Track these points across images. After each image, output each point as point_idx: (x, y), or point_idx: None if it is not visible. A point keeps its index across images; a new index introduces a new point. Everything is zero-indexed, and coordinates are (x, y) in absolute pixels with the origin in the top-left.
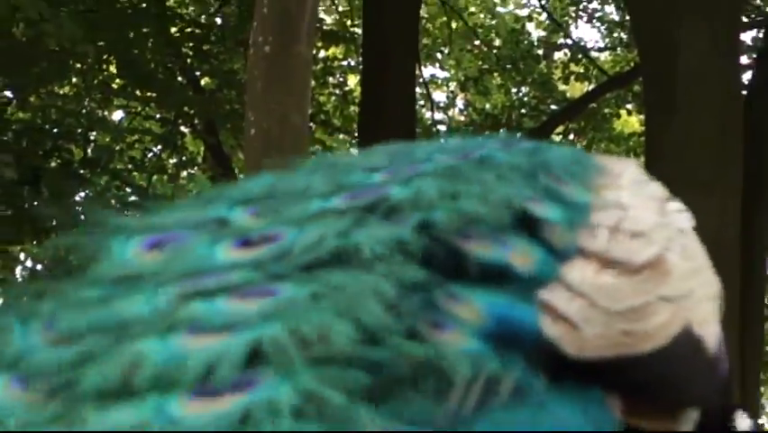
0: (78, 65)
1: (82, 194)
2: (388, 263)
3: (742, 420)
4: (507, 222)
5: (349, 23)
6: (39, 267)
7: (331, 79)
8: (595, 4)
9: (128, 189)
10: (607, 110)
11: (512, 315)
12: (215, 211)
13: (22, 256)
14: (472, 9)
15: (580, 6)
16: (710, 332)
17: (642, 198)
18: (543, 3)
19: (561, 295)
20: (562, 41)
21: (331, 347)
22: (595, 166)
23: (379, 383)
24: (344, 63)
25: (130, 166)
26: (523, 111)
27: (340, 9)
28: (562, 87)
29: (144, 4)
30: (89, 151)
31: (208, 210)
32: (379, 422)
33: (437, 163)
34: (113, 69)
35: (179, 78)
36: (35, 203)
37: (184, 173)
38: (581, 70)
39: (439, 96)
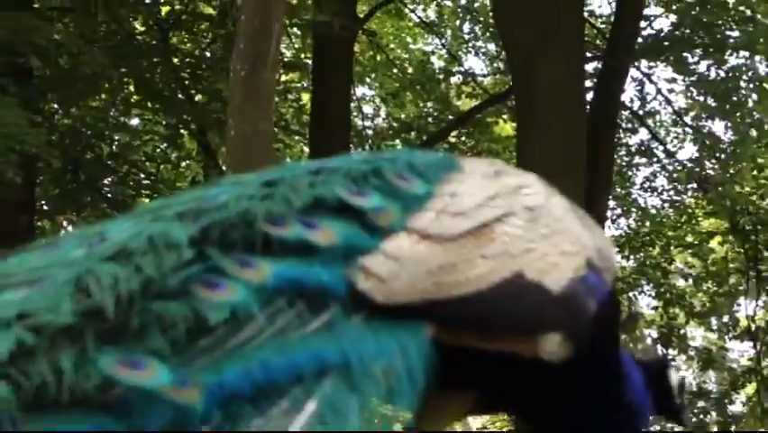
0: (107, 85)
1: (109, 179)
2: (151, 253)
3: (674, 375)
4: (318, 210)
5: (303, 55)
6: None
7: (289, 96)
8: (480, 43)
9: (142, 175)
10: (489, 119)
11: (300, 274)
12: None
13: (65, 223)
14: (392, 45)
15: (470, 44)
16: (555, 277)
17: (479, 187)
18: (443, 42)
19: (375, 259)
20: (456, 68)
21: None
22: (451, 167)
23: (120, 329)
24: (299, 85)
25: (143, 158)
26: (429, 120)
27: (296, 46)
28: (456, 102)
29: (154, 42)
30: (114, 147)
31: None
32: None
33: (284, 174)
34: (131, 88)
35: (180, 95)
36: (75, 185)
37: (183, 164)
38: (470, 90)
39: (367, 108)
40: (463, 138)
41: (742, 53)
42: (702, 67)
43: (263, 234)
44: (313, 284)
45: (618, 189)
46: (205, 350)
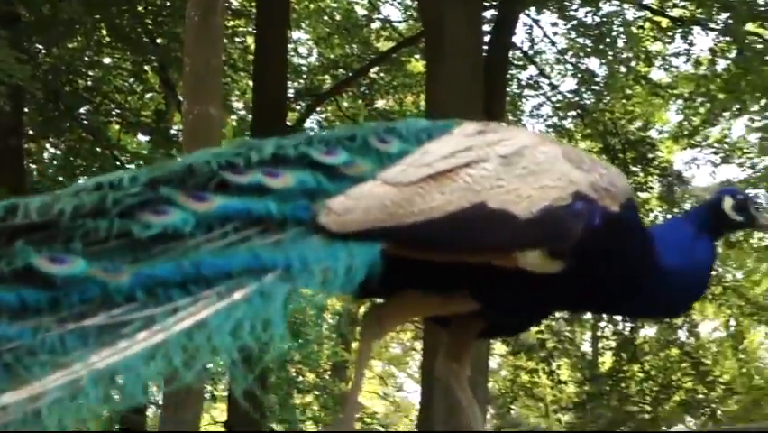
0: (82, 29)
1: (85, 108)
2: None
3: (727, 200)
4: (283, 164)
5: (247, 4)
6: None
7: (236, 39)
8: None
9: (112, 105)
10: (403, 58)
11: (247, 206)
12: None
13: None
14: None
15: None
16: (524, 206)
17: (453, 143)
18: None
19: (337, 200)
20: (376, 15)
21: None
22: (442, 131)
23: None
24: (245, 29)
25: (114, 91)
26: (353, 59)
27: None
28: (376, 44)
29: None
30: (89, 81)
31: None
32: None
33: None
34: (103, 31)
35: (144, 38)
36: (56, 113)
37: (147, 95)
38: (388, 34)
39: (302, 49)
40: (381, 74)
41: (614, 2)
42: (581, 13)
43: (222, 178)
44: (263, 214)
45: (510, 117)
46: (150, 254)
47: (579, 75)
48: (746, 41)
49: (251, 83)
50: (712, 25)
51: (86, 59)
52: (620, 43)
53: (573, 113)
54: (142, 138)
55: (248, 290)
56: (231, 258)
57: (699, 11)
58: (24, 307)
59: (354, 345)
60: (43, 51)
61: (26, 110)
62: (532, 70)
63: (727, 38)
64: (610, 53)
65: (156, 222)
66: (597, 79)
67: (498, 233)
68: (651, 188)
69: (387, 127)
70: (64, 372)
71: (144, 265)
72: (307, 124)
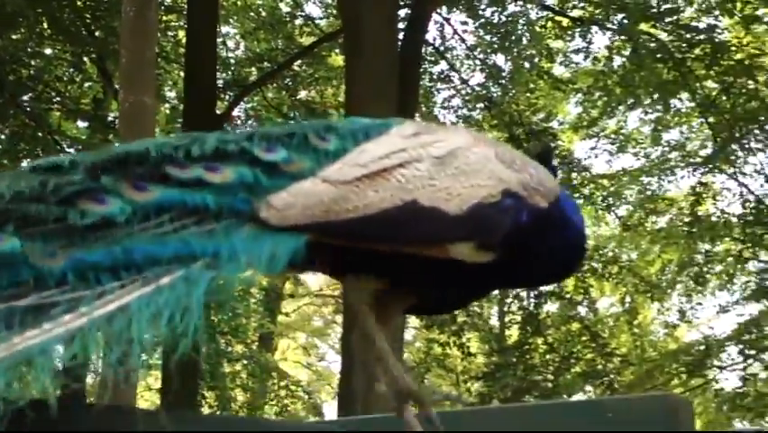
0: (24, 21)
1: (28, 96)
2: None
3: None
4: (224, 160)
5: (179, 1)
6: None
7: (169, 33)
8: None
9: (53, 93)
10: (324, 53)
11: (183, 198)
12: None
13: None
14: None
15: None
16: (456, 203)
17: (389, 144)
18: None
19: (279, 196)
20: (299, 12)
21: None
22: (380, 130)
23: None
24: (177, 24)
25: (54, 80)
26: (278, 52)
27: None
28: (299, 39)
29: None
30: (31, 71)
31: None
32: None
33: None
34: (45, 24)
35: (83, 31)
36: (1, 100)
37: (86, 85)
38: (310, 30)
39: (230, 43)
40: (304, 67)
41: (519, 2)
42: (488, 13)
43: (164, 171)
44: (199, 205)
45: (423, 108)
46: (85, 239)
47: (486, 70)
48: (640, 40)
49: (182, 74)
50: (609, 25)
51: (29, 49)
52: (524, 41)
53: (481, 105)
54: (81, 124)
55: (174, 275)
56: (162, 245)
57: (597, 12)
58: None
59: (279, 317)
60: None
61: None
62: (443, 65)
63: (623, 37)
64: (515, 50)
65: (94, 210)
66: (503, 74)
67: (429, 228)
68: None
69: (326, 125)
70: None
71: (78, 250)
72: (235, 113)
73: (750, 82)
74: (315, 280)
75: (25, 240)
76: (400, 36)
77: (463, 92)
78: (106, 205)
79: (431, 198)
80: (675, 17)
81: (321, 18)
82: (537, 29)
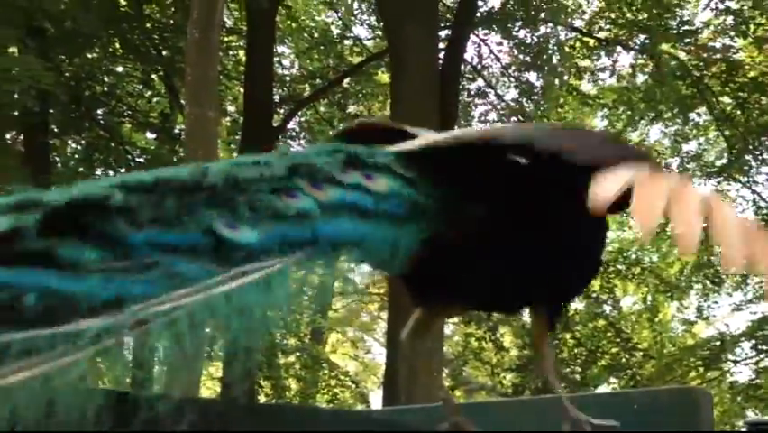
0: (99, 41)
1: (102, 110)
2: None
3: None
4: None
5: (240, 23)
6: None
7: (230, 52)
8: (365, 16)
9: (124, 107)
10: (371, 71)
11: (352, 198)
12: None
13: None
14: (303, 17)
15: (357, 16)
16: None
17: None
18: (338, 15)
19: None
20: (348, 33)
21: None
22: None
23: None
24: (237, 44)
25: (126, 95)
26: (329, 70)
27: (235, 16)
28: (349, 58)
29: (133, 12)
30: (105, 87)
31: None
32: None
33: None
34: (117, 44)
35: (152, 50)
36: (77, 114)
37: (154, 100)
38: (358, 50)
39: (285, 62)
40: (353, 84)
41: (549, 24)
42: (521, 34)
43: (332, 176)
44: (360, 204)
45: (462, 122)
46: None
47: (520, 86)
48: (661, 59)
49: (242, 90)
50: (632, 45)
51: (103, 67)
52: (555, 60)
53: (515, 119)
54: (150, 136)
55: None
56: (340, 227)
57: (622, 33)
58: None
59: (330, 313)
60: (66, 61)
61: (52, 111)
62: (480, 82)
63: (645, 56)
64: (546, 68)
65: (292, 204)
66: (535, 90)
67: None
68: None
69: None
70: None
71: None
72: (290, 126)
73: (762, 98)
74: (361, 276)
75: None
76: (441, 55)
77: (499, 107)
78: (299, 200)
79: None
80: (694, 38)
81: (368, 39)
82: (566, 49)
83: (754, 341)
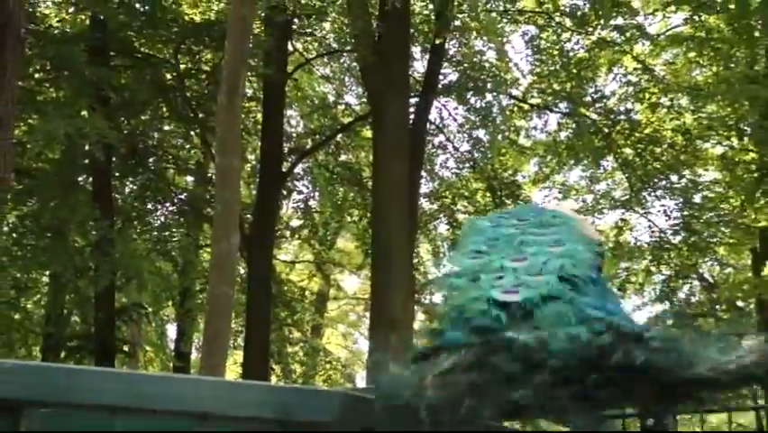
0: (150, 107)
1: (152, 158)
2: None
3: None
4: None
5: (257, 92)
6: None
7: (250, 115)
8: (354, 87)
9: (170, 156)
10: (358, 129)
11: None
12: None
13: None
14: (306, 87)
15: (348, 87)
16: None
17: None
18: (333, 86)
19: None
20: (341, 100)
21: None
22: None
23: None
24: (256, 108)
25: (171, 146)
26: (325, 127)
27: (254, 86)
28: (341, 118)
29: (176, 84)
30: (155, 141)
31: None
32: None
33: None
34: (164, 108)
35: (190, 113)
36: (133, 161)
37: (192, 151)
38: (349, 113)
39: (293, 121)
40: (344, 138)
41: (493, 93)
42: (473, 100)
43: None
44: None
45: (428, 166)
46: None
47: (471, 140)
48: (579, 120)
49: (259, 143)
50: (557, 109)
51: (153, 126)
52: (498, 120)
53: (468, 165)
54: (189, 179)
55: None
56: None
57: (550, 99)
58: None
59: (326, 314)
60: (125, 121)
61: (114, 159)
62: (441, 137)
63: (567, 117)
64: (491, 127)
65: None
66: (483, 144)
67: None
68: None
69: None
70: None
71: None
72: (296, 170)
73: (656, 149)
74: (350, 285)
75: None
76: (411, 116)
77: (455, 156)
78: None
79: None
80: (603, 103)
81: (356, 105)
82: (507, 112)
83: None
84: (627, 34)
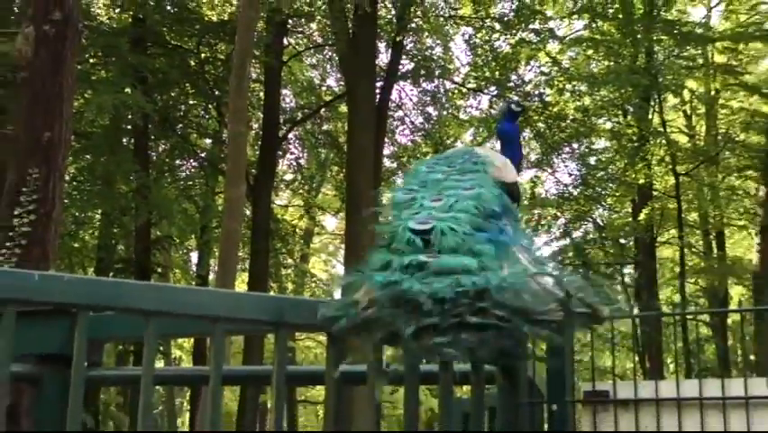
0: (179, 85)
1: (180, 125)
2: None
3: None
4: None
5: (260, 74)
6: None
7: (254, 91)
8: (334, 73)
9: (193, 124)
10: (336, 104)
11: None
12: None
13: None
14: (297, 73)
15: (329, 73)
16: (517, 183)
17: (499, 157)
18: (318, 73)
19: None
20: (324, 83)
21: None
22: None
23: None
24: (260, 88)
25: (194, 115)
26: (312, 102)
27: (258, 70)
28: (324, 97)
29: (198, 69)
30: (181, 111)
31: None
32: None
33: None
34: (189, 87)
35: (210, 90)
36: (166, 127)
37: (210, 120)
38: (330, 93)
39: (287, 99)
40: (326, 112)
41: (440, 79)
42: (425, 84)
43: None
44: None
45: (390, 135)
46: None
47: (424, 115)
48: (505, 99)
49: (261, 114)
50: (488, 92)
51: (181, 100)
52: (443, 100)
53: (420, 134)
54: (207, 141)
55: None
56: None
57: (482, 83)
58: None
59: (312, 245)
60: (159, 97)
61: (150, 125)
62: (400, 113)
63: (496, 98)
64: (439, 105)
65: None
66: (433, 118)
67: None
68: None
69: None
70: None
71: None
72: (290, 136)
73: (561, 123)
74: (330, 224)
75: None
76: (377, 96)
77: (411, 127)
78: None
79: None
80: (523, 87)
81: (335, 86)
82: (450, 94)
83: (555, 262)
84: (541, 36)
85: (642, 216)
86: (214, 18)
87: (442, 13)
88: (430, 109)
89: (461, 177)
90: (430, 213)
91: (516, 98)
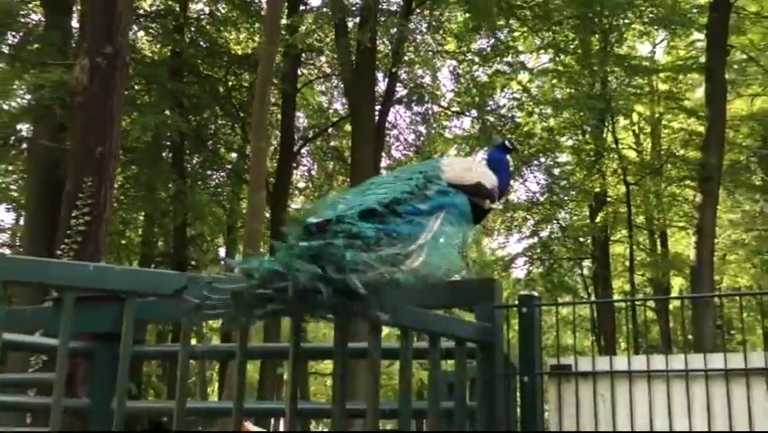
0: (209, 109)
1: (211, 141)
2: None
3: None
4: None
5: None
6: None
7: (274, 113)
8: (339, 98)
9: (221, 140)
10: (341, 124)
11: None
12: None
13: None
14: (309, 97)
15: (336, 98)
16: (487, 186)
17: (461, 164)
18: (326, 98)
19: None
20: (331, 106)
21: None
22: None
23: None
24: (277, 111)
25: (222, 132)
26: (321, 122)
27: (276, 95)
28: (331, 118)
29: (226, 94)
30: (211, 130)
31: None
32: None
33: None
34: (218, 109)
35: (236, 113)
36: (199, 143)
37: (236, 136)
38: (337, 114)
39: (300, 119)
40: (333, 131)
41: (429, 102)
42: (416, 108)
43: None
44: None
45: (386, 151)
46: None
47: (415, 134)
48: (484, 121)
49: (278, 132)
50: (469, 114)
51: (211, 120)
52: (432, 121)
53: (413, 149)
54: (233, 155)
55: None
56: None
57: (464, 107)
58: None
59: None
60: (193, 118)
61: (185, 142)
62: (395, 132)
63: (477, 120)
64: (428, 125)
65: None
66: (422, 137)
67: (485, 192)
68: None
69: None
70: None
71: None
72: (302, 150)
73: (530, 141)
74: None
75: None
76: (376, 117)
77: (404, 144)
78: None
79: (483, 181)
80: (498, 111)
81: (341, 109)
82: (437, 116)
83: (525, 257)
84: (514, 67)
85: (598, 219)
86: (240, 52)
87: (430, 48)
88: (421, 129)
89: (403, 181)
90: (335, 210)
91: (509, 137)
